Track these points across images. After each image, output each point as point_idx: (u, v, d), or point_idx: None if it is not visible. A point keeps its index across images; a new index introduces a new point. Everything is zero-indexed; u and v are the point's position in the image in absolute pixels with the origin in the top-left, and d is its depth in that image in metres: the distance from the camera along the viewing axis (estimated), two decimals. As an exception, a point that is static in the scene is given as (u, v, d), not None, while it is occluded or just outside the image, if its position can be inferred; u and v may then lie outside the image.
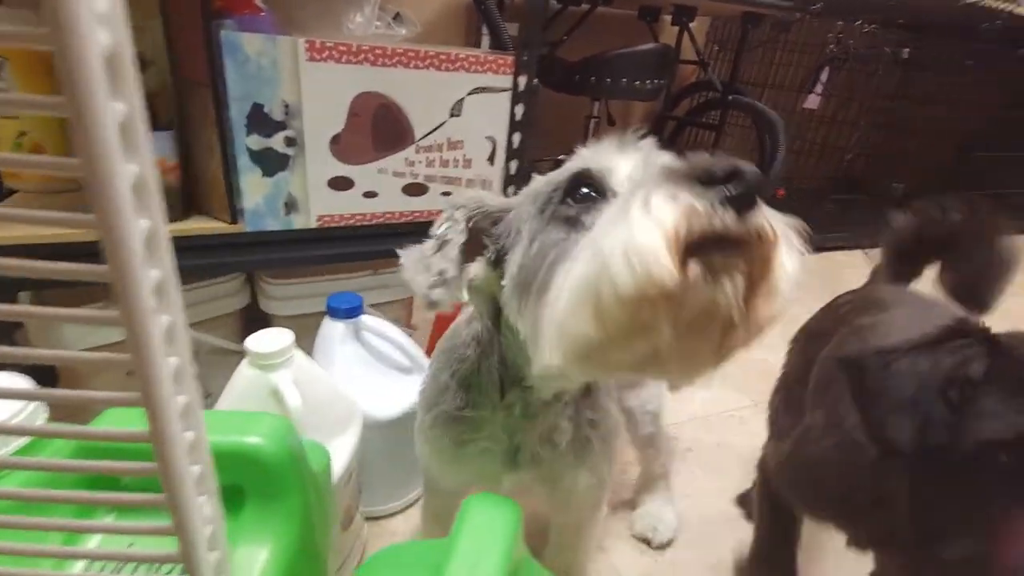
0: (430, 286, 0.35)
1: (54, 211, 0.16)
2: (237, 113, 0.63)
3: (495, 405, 0.44)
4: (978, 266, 0.58)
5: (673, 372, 0.30)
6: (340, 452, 0.58)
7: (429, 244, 0.37)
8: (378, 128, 0.70)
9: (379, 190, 0.74)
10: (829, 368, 0.59)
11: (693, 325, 0.26)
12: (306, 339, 0.72)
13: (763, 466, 0.64)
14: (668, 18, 1.89)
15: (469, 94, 0.74)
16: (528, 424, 0.44)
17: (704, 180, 0.25)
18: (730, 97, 1.89)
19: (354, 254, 0.75)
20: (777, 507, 0.61)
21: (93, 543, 0.34)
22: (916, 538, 0.41)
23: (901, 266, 0.66)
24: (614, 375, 0.38)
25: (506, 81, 0.75)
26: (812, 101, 1.89)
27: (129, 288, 0.16)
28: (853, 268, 1.78)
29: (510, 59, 0.74)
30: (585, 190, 0.32)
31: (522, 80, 0.76)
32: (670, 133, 2.24)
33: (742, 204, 0.24)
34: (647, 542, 0.76)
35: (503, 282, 0.35)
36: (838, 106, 1.92)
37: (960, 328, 0.40)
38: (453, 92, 0.73)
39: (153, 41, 0.65)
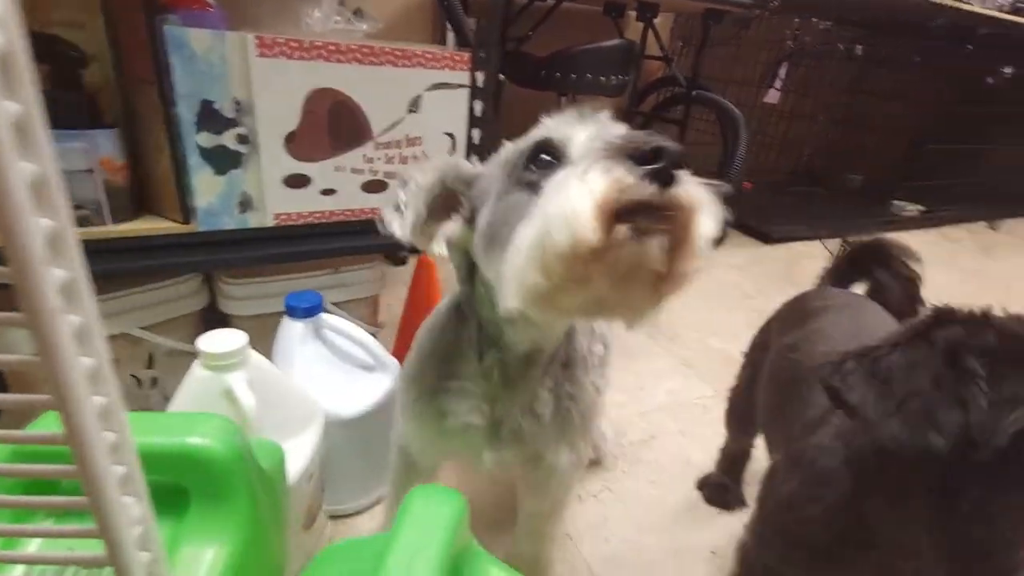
0: (402, 227, 0.39)
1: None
2: (186, 110, 0.61)
3: (475, 373, 0.45)
4: (892, 286, 0.64)
5: (616, 316, 0.35)
6: (300, 451, 0.58)
7: (404, 192, 0.40)
8: (334, 125, 0.69)
9: (338, 187, 0.73)
10: (774, 395, 0.60)
11: (626, 277, 0.31)
12: (268, 339, 0.72)
13: (743, 549, 0.57)
14: (633, 14, 1.91)
15: (427, 90, 0.74)
16: (508, 393, 0.46)
17: (634, 156, 0.29)
18: (694, 92, 1.92)
19: (314, 252, 0.75)
20: None
21: (33, 547, 0.33)
22: (954, 554, 0.35)
23: (843, 275, 0.72)
24: (569, 317, 0.41)
25: (464, 77, 0.75)
26: (772, 96, 1.94)
27: (31, 288, 0.16)
28: (812, 259, 1.83)
29: (467, 55, 0.74)
30: (545, 157, 0.35)
31: (480, 76, 0.76)
32: (637, 128, 2.27)
33: (664, 178, 0.29)
34: (597, 462, 0.87)
35: (476, 238, 0.39)
36: (796, 101, 1.98)
37: (944, 315, 0.36)
38: (411, 88, 0.73)
39: (95, 37, 0.63)
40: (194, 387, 0.52)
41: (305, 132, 0.67)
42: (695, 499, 0.86)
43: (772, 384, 0.61)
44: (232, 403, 0.51)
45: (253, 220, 0.70)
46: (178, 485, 0.35)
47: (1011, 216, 2.66)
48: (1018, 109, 2.41)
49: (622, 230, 0.29)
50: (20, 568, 0.32)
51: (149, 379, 0.81)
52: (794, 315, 0.65)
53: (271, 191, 0.69)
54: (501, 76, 1.80)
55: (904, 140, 2.53)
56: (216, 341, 0.51)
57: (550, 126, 0.37)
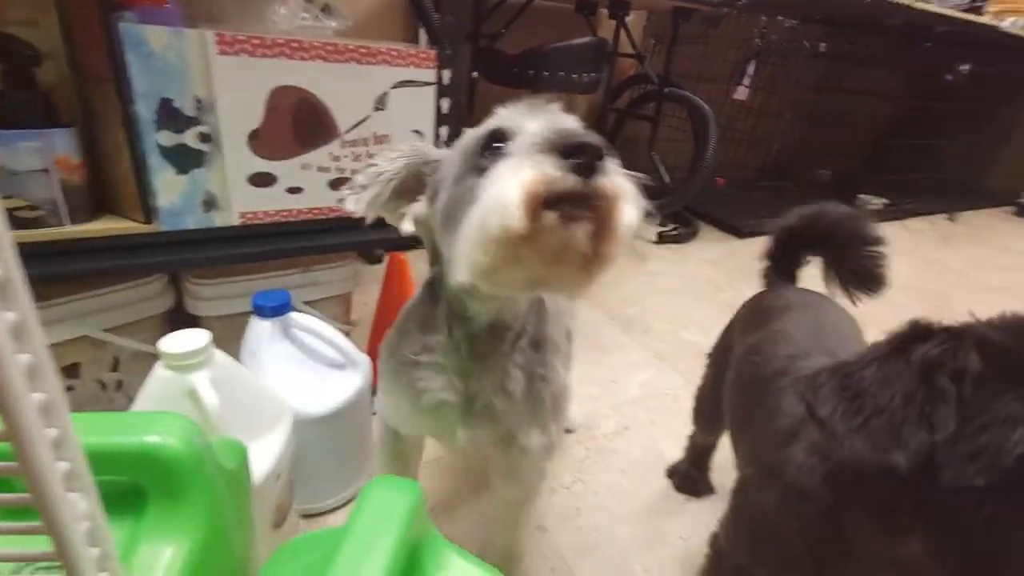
0: (357, 204, 0.43)
1: None
2: (144, 109, 0.61)
3: (447, 347, 0.47)
4: (857, 252, 0.62)
5: (555, 290, 0.41)
6: (267, 450, 0.58)
7: (372, 171, 0.44)
8: (299, 123, 0.69)
9: (304, 186, 0.73)
10: (740, 396, 0.59)
11: (557, 258, 0.34)
12: (238, 339, 0.71)
13: (716, 541, 0.58)
14: (605, 12, 1.92)
15: (393, 88, 0.74)
16: (479, 368, 0.47)
17: (560, 150, 0.32)
18: (666, 90, 1.95)
19: (281, 251, 0.74)
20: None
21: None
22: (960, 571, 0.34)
23: (784, 265, 0.70)
24: (514, 291, 0.44)
25: (430, 75, 0.75)
26: (741, 93, 1.97)
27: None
28: (782, 251, 1.88)
29: (433, 53, 0.74)
30: (497, 145, 0.38)
31: (446, 74, 0.76)
32: (612, 124, 2.30)
33: (586, 170, 0.32)
34: (567, 431, 0.93)
35: (436, 217, 0.42)
36: (765, 98, 2.02)
37: (920, 329, 0.35)
38: (376, 86, 0.73)
39: (49, 35, 0.61)
40: (156, 388, 0.51)
41: (269, 130, 0.67)
42: (665, 487, 0.88)
43: (738, 386, 0.60)
44: (196, 403, 0.51)
45: (218, 219, 0.69)
46: (136, 484, 0.35)
47: (969, 208, 2.76)
48: (975, 105, 2.51)
49: (550, 217, 0.32)
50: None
51: (114, 382, 0.80)
52: (756, 316, 0.64)
53: (236, 190, 0.69)
54: (474, 73, 1.81)
55: (870, 136, 2.61)
56: (178, 341, 0.51)
57: (503, 116, 0.40)
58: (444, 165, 0.43)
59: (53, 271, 0.62)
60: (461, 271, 0.36)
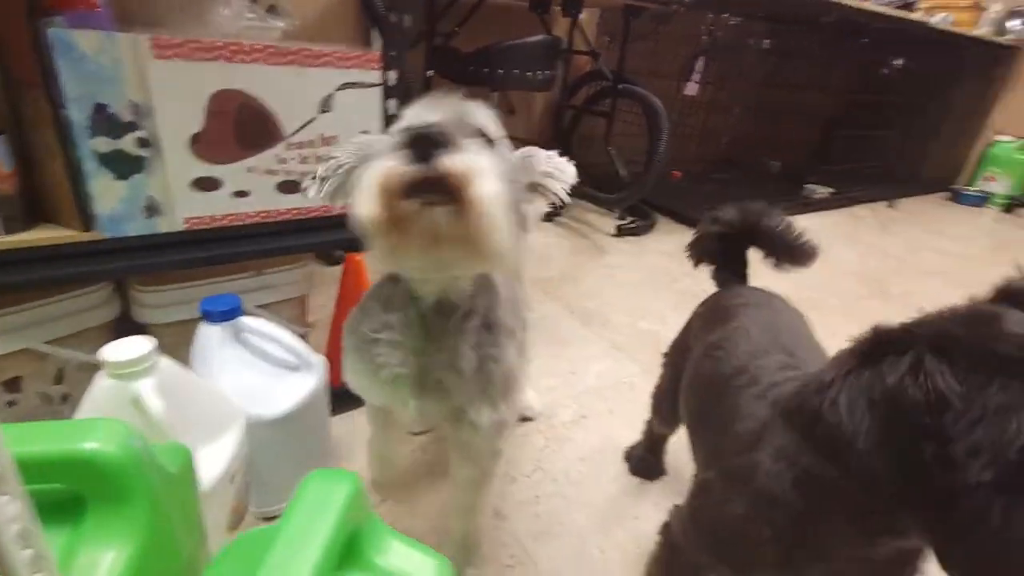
0: (316, 192, 0.47)
1: None
2: (78, 115, 0.59)
3: (403, 324, 0.51)
4: (781, 236, 0.67)
5: (458, 268, 0.44)
6: (219, 454, 0.58)
7: (332, 162, 0.47)
8: (242, 126, 0.68)
9: (251, 189, 0.73)
10: (700, 394, 0.59)
11: (435, 239, 0.38)
12: (190, 345, 0.71)
13: (668, 531, 0.58)
14: (560, 10, 1.95)
15: (338, 89, 0.74)
16: (431, 346, 0.51)
17: (406, 144, 0.36)
18: (619, 86, 1.99)
19: (229, 255, 0.74)
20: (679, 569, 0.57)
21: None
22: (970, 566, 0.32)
23: (729, 265, 0.73)
24: (424, 271, 0.47)
25: (376, 76, 0.76)
26: (691, 89, 2.04)
27: None
28: (735, 241, 1.96)
29: (377, 55, 0.75)
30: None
31: (392, 75, 0.77)
32: (569, 121, 2.33)
33: (428, 157, 0.35)
34: (527, 419, 0.99)
35: None
36: (714, 93, 2.09)
37: (883, 335, 0.34)
38: (321, 88, 0.73)
39: (-28, 38, 0.60)
40: (99, 398, 0.51)
41: (211, 134, 0.67)
42: (621, 471, 0.91)
43: (697, 383, 0.61)
44: (141, 411, 0.51)
45: (162, 225, 0.69)
46: (75, 492, 0.35)
47: (906, 195, 2.93)
48: (910, 98, 2.65)
49: (410, 204, 0.36)
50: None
51: (59, 395, 0.78)
52: (715, 314, 0.66)
53: (179, 195, 0.68)
54: (429, 72, 1.81)
55: (815, 128, 2.73)
56: (121, 349, 0.51)
57: (411, 112, 0.43)
58: None
59: (-14, 283, 0.60)
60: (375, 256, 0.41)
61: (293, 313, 0.96)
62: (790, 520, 0.41)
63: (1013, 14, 2.86)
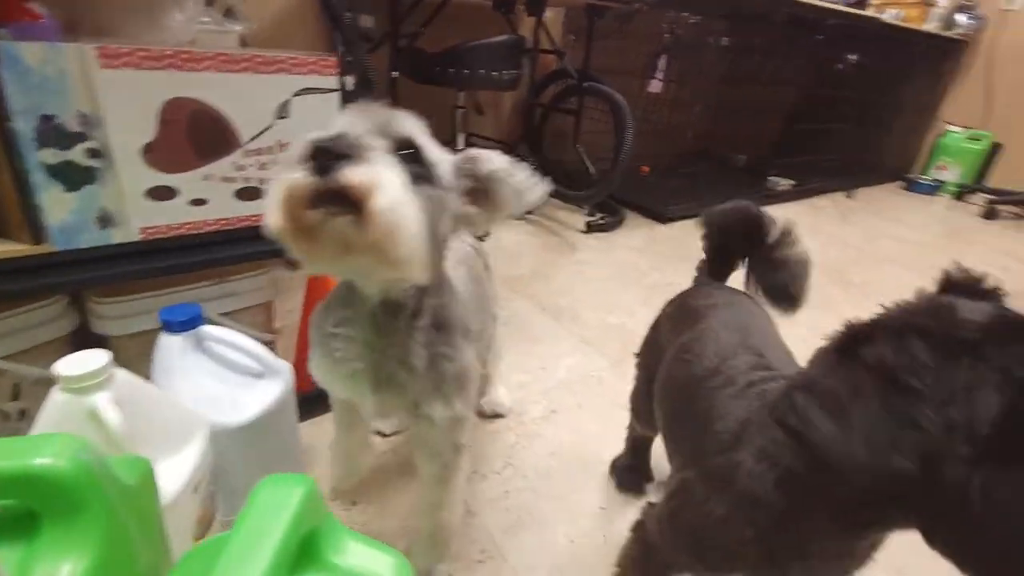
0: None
1: None
2: (24, 126, 0.58)
3: (357, 320, 0.53)
4: (779, 269, 0.63)
5: (369, 274, 0.46)
6: (182, 464, 0.58)
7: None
8: (196, 134, 0.68)
9: (209, 197, 0.72)
10: (674, 395, 0.59)
11: (342, 246, 0.39)
12: (152, 356, 0.70)
13: (642, 529, 0.58)
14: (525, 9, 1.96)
15: (295, 95, 0.74)
16: (382, 342, 0.53)
17: (309, 156, 0.38)
18: (585, 84, 2.02)
19: (190, 264, 0.73)
20: (653, 566, 0.57)
21: None
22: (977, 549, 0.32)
23: (718, 265, 0.72)
24: (351, 277, 0.50)
25: (333, 82, 0.76)
26: (655, 86, 2.08)
27: None
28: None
29: (333, 60, 0.75)
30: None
31: (349, 80, 0.78)
32: (538, 119, 2.35)
33: (327, 170, 0.37)
34: (498, 415, 1.01)
35: None
36: (677, 90, 2.14)
37: (856, 329, 0.36)
38: (277, 94, 0.73)
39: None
40: (54, 413, 0.51)
41: (164, 143, 0.66)
42: (588, 462, 0.94)
43: (670, 385, 0.60)
44: (98, 424, 0.50)
45: (117, 236, 0.68)
46: (28, 508, 0.35)
47: (863, 185, 3.04)
48: (864, 92, 2.75)
49: (314, 214, 0.37)
50: None
51: (16, 411, 0.76)
52: (683, 314, 0.66)
53: (134, 205, 0.67)
54: (394, 73, 1.80)
55: (777, 122, 2.81)
56: (75, 363, 0.50)
57: (338, 122, 0.44)
58: None
59: (-68, 300, 0.59)
60: None
61: (258, 320, 0.95)
62: (773, 520, 0.42)
63: (960, 9, 2.98)
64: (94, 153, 0.63)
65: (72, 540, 0.35)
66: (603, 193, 1.94)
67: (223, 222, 0.75)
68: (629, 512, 0.84)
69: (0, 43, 0.55)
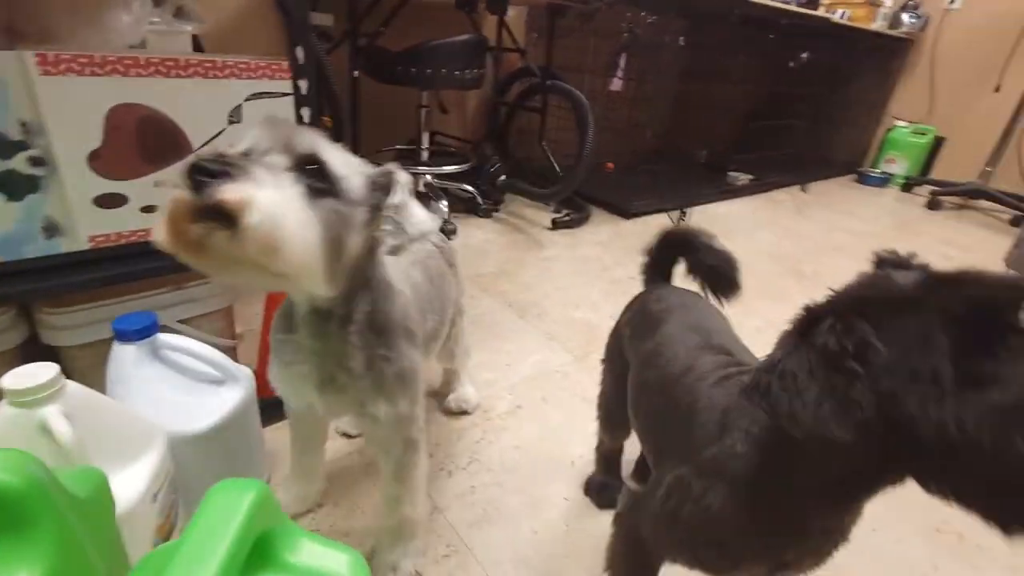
0: None
1: None
2: (-40, 135, 0.57)
3: (299, 327, 0.55)
4: (711, 264, 0.68)
5: (274, 286, 0.49)
6: (139, 474, 0.58)
7: None
8: (145, 140, 0.67)
9: (160, 203, 0.72)
10: (654, 406, 0.60)
11: (228, 259, 0.40)
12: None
13: (622, 522, 0.60)
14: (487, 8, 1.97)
15: (247, 100, 0.74)
16: (322, 347, 0.55)
17: (188, 173, 0.39)
18: (548, 82, 2.04)
19: (142, 271, 0.72)
20: (642, 560, 0.58)
21: None
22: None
23: (661, 268, 0.76)
24: (259, 287, 0.53)
25: (286, 85, 0.76)
26: (616, 84, 2.11)
27: None
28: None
29: (285, 64, 0.75)
30: None
31: (303, 83, 0.77)
32: (504, 117, 2.36)
33: (200, 187, 0.38)
34: (464, 412, 1.03)
35: None
36: (637, 88, 2.18)
37: (813, 311, 0.39)
38: (228, 99, 0.72)
39: None
40: (2, 427, 0.50)
41: (110, 150, 0.65)
42: (553, 455, 0.96)
43: (647, 389, 0.62)
44: (49, 437, 0.50)
45: (65, 245, 0.67)
46: (-26, 524, 0.35)
47: (818, 179, 3.16)
48: (816, 89, 2.85)
49: (197, 228, 0.39)
50: None
51: (-38, 427, 0.74)
52: (643, 321, 0.68)
53: (81, 213, 0.66)
54: (355, 73, 1.79)
55: (735, 119, 2.89)
56: (22, 377, 0.50)
57: (247, 134, 0.45)
58: None
59: None
60: None
61: (218, 325, 0.94)
62: (768, 502, 0.44)
63: (904, 8, 3.12)
64: (37, 161, 0.62)
65: (23, 554, 0.35)
66: (567, 190, 1.97)
67: (177, 228, 0.74)
68: (590, 500, 0.87)
69: (-69, 50, 0.54)
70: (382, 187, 0.50)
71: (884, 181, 3.29)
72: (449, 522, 0.81)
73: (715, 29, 2.20)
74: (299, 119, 0.79)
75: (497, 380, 1.16)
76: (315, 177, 0.44)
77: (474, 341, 1.20)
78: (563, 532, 0.81)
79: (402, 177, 0.50)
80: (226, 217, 0.38)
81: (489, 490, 0.88)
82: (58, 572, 0.36)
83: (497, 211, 2.14)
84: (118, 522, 0.49)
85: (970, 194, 2.86)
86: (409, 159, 2.05)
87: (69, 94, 0.61)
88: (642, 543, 0.55)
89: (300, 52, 0.79)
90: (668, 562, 0.55)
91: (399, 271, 0.63)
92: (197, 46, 1.03)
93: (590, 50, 2.28)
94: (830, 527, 0.46)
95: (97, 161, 0.65)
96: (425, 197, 1.96)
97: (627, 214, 2.24)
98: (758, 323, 1.44)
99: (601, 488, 0.87)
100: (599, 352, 0.81)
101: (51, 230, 0.65)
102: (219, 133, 0.73)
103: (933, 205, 2.84)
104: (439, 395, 1.07)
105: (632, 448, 0.83)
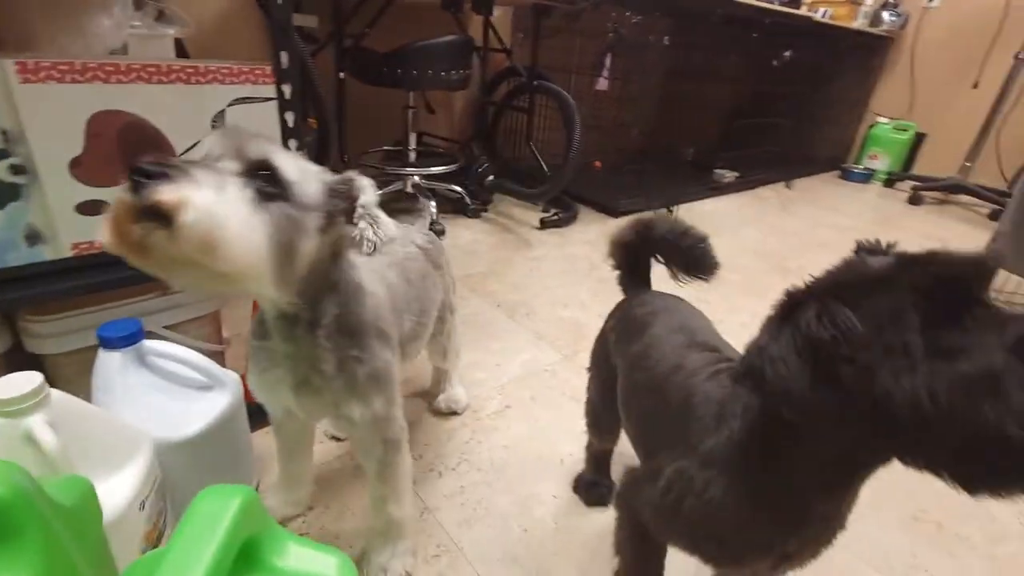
0: None
1: None
2: (-62, 144, 0.57)
3: (272, 332, 0.55)
4: (685, 249, 0.68)
5: (220, 289, 0.47)
6: (126, 481, 0.58)
7: None
8: (127, 146, 0.67)
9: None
10: (647, 406, 0.60)
11: (168, 260, 0.41)
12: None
13: (624, 504, 0.60)
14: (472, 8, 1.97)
15: (230, 105, 0.74)
16: (294, 351, 0.56)
17: (129, 176, 0.39)
18: (535, 82, 2.05)
19: (126, 279, 0.72)
20: (647, 542, 0.58)
21: None
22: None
23: (634, 271, 0.76)
24: (209, 290, 0.53)
25: (269, 90, 0.76)
26: (602, 84, 2.13)
27: None
28: (651, 227, 2.07)
29: (268, 69, 0.75)
30: None
31: (287, 88, 0.78)
32: (492, 117, 2.37)
33: (139, 189, 0.39)
34: (454, 413, 1.04)
35: None
36: (621, 88, 2.20)
37: (794, 295, 0.40)
38: (211, 104, 0.72)
39: None
40: (-14, 438, 0.50)
41: (93, 157, 0.65)
42: (541, 453, 0.97)
43: (638, 391, 0.62)
44: (34, 447, 0.50)
45: (47, 253, 0.66)
46: (-40, 535, 0.35)
47: (802, 176, 3.20)
48: (798, 87, 2.89)
49: (136, 229, 0.40)
50: None
51: (-55, 438, 0.73)
52: (629, 326, 0.68)
53: (63, 221, 0.66)
54: (341, 74, 1.78)
55: (721, 117, 2.92)
56: (5, 386, 0.50)
57: (204, 140, 0.47)
58: None
59: None
60: None
61: (206, 331, 0.94)
62: (768, 490, 0.44)
63: (885, 6, 3.17)
64: (18, 169, 0.61)
65: (9, 564, 0.35)
66: (555, 190, 1.98)
67: (161, 235, 0.74)
68: (579, 498, 0.88)
69: (-93, 58, 0.53)
70: (341, 194, 0.50)
71: (867, 177, 3.34)
72: (439, 522, 0.81)
73: (700, 29, 2.22)
74: (283, 123, 0.79)
75: (486, 380, 1.16)
76: (266, 182, 0.45)
77: (463, 341, 1.20)
78: (552, 530, 0.82)
79: (364, 182, 0.51)
80: (163, 217, 0.39)
81: (479, 489, 0.88)
82: (45, 581, 0.37)
83: (485, 211, 2.15)
84: (106, 530, 0.49)
85: (950, 189, 2.91)
86: (396, 160, 2.05)
87: (50, 102, 0.60)
88: (646, 526, 0.56)
89: (284, 56, 0.79)
90: (671, 545, 0.56)
91: (373, 273, 0.63)
92: (180, 49, 1.03)
93: (576, 50, 2.29)
94: (829, 513, 0.47)
95: (79, 168, 0.65)
96: (413, 198, 1.96)
97: (615, 212, 2.25)
98: (744, 319, 1.46)
99: (590, 486, 0.88)
100: (587, 350, 0.82)
101: (33, 238, 0.64)
102: (197, 144, 0.72)
103: (915, 200, 2.89)
104: (429, 396, 1.07)
105: (623, 447, 0.84)
